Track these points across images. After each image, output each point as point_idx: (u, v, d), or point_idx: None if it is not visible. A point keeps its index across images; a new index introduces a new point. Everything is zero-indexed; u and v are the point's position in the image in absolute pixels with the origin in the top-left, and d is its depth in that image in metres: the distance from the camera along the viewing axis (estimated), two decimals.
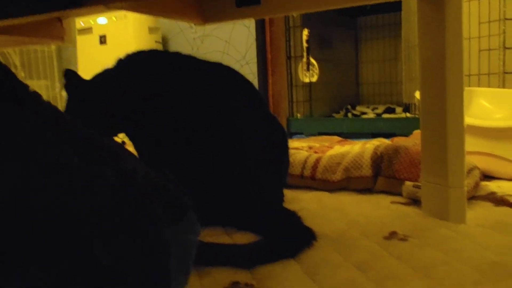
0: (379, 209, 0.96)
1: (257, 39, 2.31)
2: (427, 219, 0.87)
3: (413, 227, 0.83)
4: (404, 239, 0.77)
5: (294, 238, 0.76)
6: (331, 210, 0.97)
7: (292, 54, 2.40)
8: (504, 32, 1.71)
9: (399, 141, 1.52)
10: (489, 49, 1.77)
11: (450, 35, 0.83)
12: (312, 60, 2.35)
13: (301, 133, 2.43)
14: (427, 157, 0.89)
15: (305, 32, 2.35)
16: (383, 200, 1.01)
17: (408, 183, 1.00)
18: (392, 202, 0.99)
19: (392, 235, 0.79)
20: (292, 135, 2.42)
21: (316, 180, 1.14)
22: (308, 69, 2.37)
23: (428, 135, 0.89)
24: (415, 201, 0.98)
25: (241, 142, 0.89)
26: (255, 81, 2.34)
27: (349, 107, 2.88)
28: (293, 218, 0.83)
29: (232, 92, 0.94)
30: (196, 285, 0.64)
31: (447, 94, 0.84)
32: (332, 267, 0.67)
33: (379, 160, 1.08)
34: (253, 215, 0.86)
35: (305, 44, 2.34)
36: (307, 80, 2.40)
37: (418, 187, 0.98)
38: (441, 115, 0.85)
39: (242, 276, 0.66)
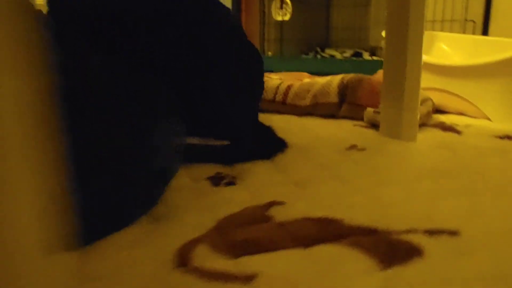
0: (342, 129, 1.08)
1: None
2: (384, 138, 0.99)
3: (370, 142, 0.95)
4: (361, 149, 0.89)
5: (270, 143, 0.86)
6: (299, 129, 1.08)
7: None
8: None
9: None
10: None
11: None
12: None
13: (271, 71, 2.51)
14: (387, 84, 1.00)
15: None
16: (346, 124, 1.13)
17: (369, 109, 1.11)
18: (354, 125, 1.10)
19: (352, 147, 0.91)
20: None
21: (287, 105, 1.24)
22: (281, 7, 2.41)
23: (391, 64, 0.99)
24: (374, 126, 1.10)
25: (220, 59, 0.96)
26: None
27: (318, 49, 2.96)
28: (269, 129, 0.93)
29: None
30: (186, 174, 0.74)
31: (409, 23, 0.93)
32: (299, 166, 0.78)
33: (344, 88, 1.18)
34: (233, 126, 0.95)
35: None
36: (279, 18, 2.45)
37: (377, 112, 1.09)
38: (403, 47, 0.95)
39: (224, 170, 0.76)
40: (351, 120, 1.16)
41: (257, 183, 0.70)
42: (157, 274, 0.45)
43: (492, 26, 1.84)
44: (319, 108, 1.21)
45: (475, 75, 1.27)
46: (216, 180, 0.72)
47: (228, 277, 0.44)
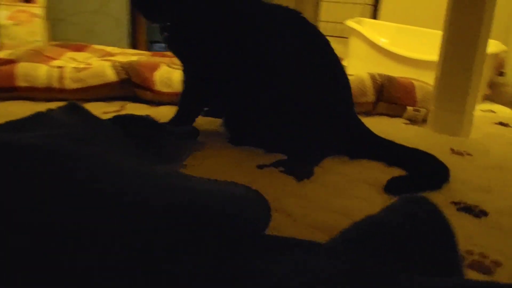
0: (407, 131, 1.19)
1: None
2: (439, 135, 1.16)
3: (462, 145, 1.10)
4: (467, 154, 1.05)
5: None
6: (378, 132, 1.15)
7: None
8: None
9: None
10: None
11: None
12: None
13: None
14: (445, 86, 1.15)
15: None
16: (392, 121, 1.25)
17: (409, 108, 1.26)
18: (405, 124, 1.24)
19: (454, 152, 1.05)
20: (153, 43, 2.30)
21: None
22: None
23: (452, 65, 1.13)
24: (412, 121, 1.26)
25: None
26: None
27: None
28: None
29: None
30: None
31: (481, 30, 1.09)
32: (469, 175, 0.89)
33: (380, 88, 1.29)
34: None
35: None
36: None
37: (417, 110, 1.25)
38: (471, 51, 1.10)
39: None
40: (388, 117, 1.28)
41: None
42: None
43: (382, 10, 2.15)
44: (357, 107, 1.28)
45: None
46: None
47: None
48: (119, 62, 1.29)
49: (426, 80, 1.32)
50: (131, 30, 2.13)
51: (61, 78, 1.23)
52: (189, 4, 0.95)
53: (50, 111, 0.92)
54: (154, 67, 1.29)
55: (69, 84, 1.22)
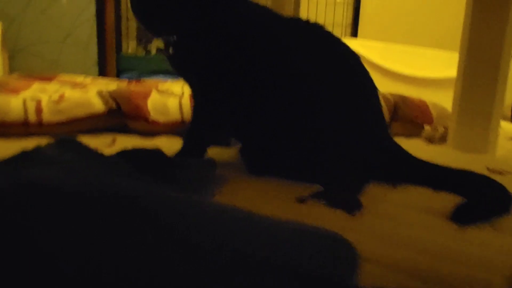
0: (420, 149, 1.11)
1: None
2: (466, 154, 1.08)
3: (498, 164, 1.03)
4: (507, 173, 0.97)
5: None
6: None
7: None
8: None
9: None
10: (335, 4, 2.06)
11: None
12: None
13: (133, 71, 2.16)
14: (467, 101, 1.08)
15: None
16: (410, 142, 1.16)
17: (427, 126, 1.18)
18: (426, 144, 1.15)
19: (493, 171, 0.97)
20: (121, 73, 2.14)
21: None
22: None
23: (474, 80, 1.07)
24: (430, 141, 1.18)
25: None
26: (91, 7, 1.91)
27: None
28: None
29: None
30: None
31: (504, 44, 1.04)
32: None
33: (395, 107, 1.20)
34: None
35: None
36: None
37: (435, 129, 1.17)
38: (495, 62, 1.04)
39: None
40: (405, 138, 1.20)
41: None
42: None
43: (360, 29, 2.13)
44: None
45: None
46: None
47: None
48: (106, 89, 1.13)
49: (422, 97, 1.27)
50: (98, 59, 1.97)
51: (38, 111, 1.06)
52: (199, 13, 0.82)
53: (38, 149, 0.77)
54: (146, 94, 1.14)
55: (49, 117, 1.05)
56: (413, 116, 1.20)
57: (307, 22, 0.88)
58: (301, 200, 0.76)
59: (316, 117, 0.80)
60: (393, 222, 0.71)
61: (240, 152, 0.94)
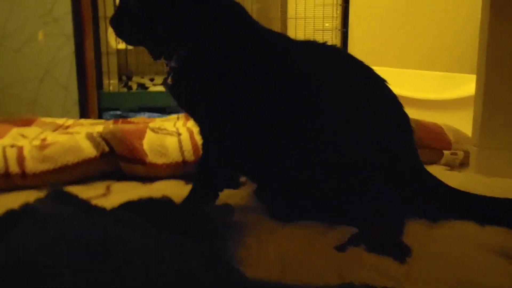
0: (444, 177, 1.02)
1: None
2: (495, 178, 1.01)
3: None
4: None
5: None
6: None
7: (101, 14, 1.96)
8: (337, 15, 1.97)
9: None
10: (323, 30, 2.00)
11: None
12: None
13: (116, 109, 2.05)
14: (490, 122, 1.01)
15: None
16: (431, 169, 1.08)
17: (446, 152, 1.10)
18: (448, 170, 1.07)
19: None
20: (103, 111, 2.02)
21: None
22: None
23: (495, 100, 1.00)
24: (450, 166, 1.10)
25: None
26: (69, 44, 1.80)
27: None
28: None
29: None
30: None
31: None
32: None
33: None
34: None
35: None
36: (120, 46, 2.02)
37: (455, 154, 1.10)
38: None
39: None
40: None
41: None
42: None
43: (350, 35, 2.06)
44: None
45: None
46: None
47: None
48: (96, 131, 1.02)
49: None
50: (79, 97, 1.85)
51: (20, 159, 0.93)
52: (205, 36, 0.74)
53: (27, 206, 0.65)
54: (141, 134, 1.03)
55: (33, 166, 0.92)
56: (430, 141, 1.12)
57: (324, 45, 0.80)
58: (341, 248, 0.65)
59: (348, 149, 0.71)
60: (448, 264, 0.62)
61: (257, 194, 0.83)
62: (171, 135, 1.07)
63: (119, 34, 0.79)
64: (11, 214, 0.63)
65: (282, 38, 0.80)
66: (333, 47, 0.80)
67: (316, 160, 0.72)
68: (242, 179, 0.94)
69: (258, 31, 0.78)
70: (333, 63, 0.76)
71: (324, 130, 0.71)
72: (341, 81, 0.74)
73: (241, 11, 0.79)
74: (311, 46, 0.78)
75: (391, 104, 0.77)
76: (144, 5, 0.75)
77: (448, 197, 0.77)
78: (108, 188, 0.94)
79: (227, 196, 0.86)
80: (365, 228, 0.70)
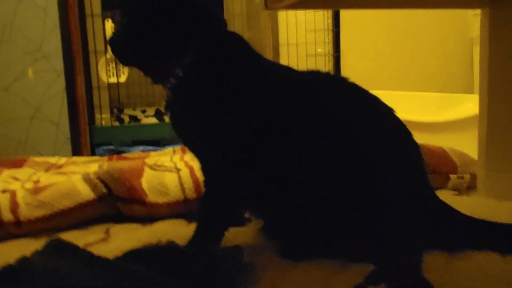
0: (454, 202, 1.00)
1: (62, 25, 1.74)
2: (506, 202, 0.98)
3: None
4: None
5: None
6: None
7: (91, 48, 1.94)
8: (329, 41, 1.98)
9: None
10: (316, 55, 2.00)
11: None
12: None
13: (109, 144, 2.01)
14: (496, 143, 0.99)
15: (109, 23, 1.94)
16: (439, 195, 1.05)
17: (452, 176, 1.07)
18: (455, 195, 1.04)
19: None
20: (96, 146, 1.98)
21: None
22: (116, 67, 1.97)
23: (499, 123, 0.98)
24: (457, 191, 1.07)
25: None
26: (60, 80, 1.77)
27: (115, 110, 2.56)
28: None
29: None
30: None
31: None
32: None
33: None
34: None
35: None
36: (112, 80, 2.00)
37: (461, 177, 1.07)
38: None
39: None
40: None
41: None
42: None
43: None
44: None
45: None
46: None
47: None
48: (93, 172, 0.98)
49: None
50: (71, 134, 1.82)
51: (13, 206, 0.89)
52: (201, 57, 0.72)
53: (25, 260, 0.62)
54: (139, 173, 0.99)
55: (28, 213, 0.88)
56: (436, 165, 1.10)
57: (328, 75, 0.78)
58: None
59: (362, 182, 0.68)
60: None
61: (265, 231, 0.80)
62: (170, 171, 1.03)
63: (115, 53, 0.77)
64: (8, 270, 0.59)
65: (286, 68, 0.78)
66: (339, 77, 0.78)
67: (328, 194, 0.69)
68: (247, 214, 0.91)
69: (260, 58, 0.77)
70: (342, 94, 0.74)
71: (336, 162, 0.68)
72: (351, 113, 0.72)
73: (239, 37, 0.78)
74: (317, 77, 0.76)
75: (400, 134, 0.75)
76: (137, 24, 0.74)
77: (465, 227, 0.74)
78: (107, 231, 0.90)
79: (233, 234, 0.82)
80: (383, 264, 0.67)
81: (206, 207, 0.77)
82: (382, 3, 0.97)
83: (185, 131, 0.77)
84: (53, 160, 1.46)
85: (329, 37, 2.01)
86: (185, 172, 1.01)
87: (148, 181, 0.97)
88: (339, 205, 0.68)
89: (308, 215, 0.70)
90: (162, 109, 2.43)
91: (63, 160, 1.49)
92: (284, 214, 0.73)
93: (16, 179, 1.21)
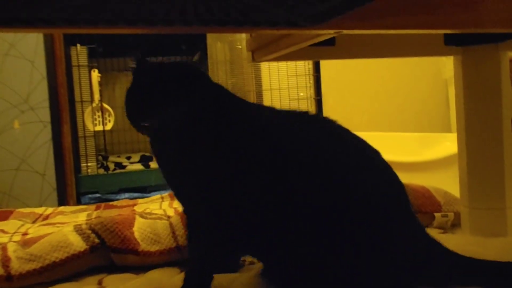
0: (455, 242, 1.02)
1: (49, 76, 1.76)
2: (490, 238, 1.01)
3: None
4: None
5: None
6: None
7: (78, 99, 1.96)
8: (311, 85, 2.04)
9: None
10: (298, 99, 2.06)
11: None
12: (106, 106, 2.00)
13: (95, 192, 2.00)
14: (476, 181, 1.03)
15: (96, 73, 1.98)
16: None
17: (437, 214, 1.11)
18: (443, 233, 1.07)
19: None
20: (82, 195, 1.97)
21: None
22: (102, 116, 1.99)
23: (478, 161, 1.02)
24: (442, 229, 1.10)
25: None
26: (47, 131, 1.78)
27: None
28: None
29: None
30: None
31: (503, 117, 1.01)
32: None
33: None
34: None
35: (96, 87, 1.96)
36: (98, 128, 2.01)
37: (446, 216, 1.10)
38: (496, 136, 1.00)
39: None
40: None
41: None
42: None
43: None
44: None
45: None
46: None
47: None
48: (85, 223, 0.98)
49: None
50: (57, 184, 1.81)
51: (5, 260, 0.88)
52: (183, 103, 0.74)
53: None
54: (131, 222, 1.00)
55: (19, 267, 0.87)
56: (420, 205, 1.13)
57: (316, 116, 0.82)
58: None
59: (359, 225, 0.70)
60: None
61: (265, 275, 0.80)
62: (161, 219, 1.04)
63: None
64: None
65: (270, 109, 0.81)
66: (326, 119, 0.81)
67: (331, 234, 0.70)
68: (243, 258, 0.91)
69: (245, 104, 0.80)
70: (332, 137, 0.77)
71: (333, 203, 0.70)
72: (344, 155, 0.74)
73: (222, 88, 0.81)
74: (305, 119, 0.79)
75: (387, 175, 0.78)
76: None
77: (453, 264, 0.77)
78: (100, 283, 0.89)
79: (228, 282, 0.82)
80: None
81: (193, 252, 0.78)
82: (358, 54, 1.03)
83: (174, 178, 0.78)
84: (39, 210, 1.45)
85: (310, 81, 2.08)
86: (175, 219, 1.01)
87: (140, 230, 0.98)
88: (341, 244, 0.70)
89: (309, 256, 0.71)
90: (148, 154, 2.43)
91: (49, 210, 1.48)
92: (285, 256, 0.73)
93: (3, 231, 1.20)
